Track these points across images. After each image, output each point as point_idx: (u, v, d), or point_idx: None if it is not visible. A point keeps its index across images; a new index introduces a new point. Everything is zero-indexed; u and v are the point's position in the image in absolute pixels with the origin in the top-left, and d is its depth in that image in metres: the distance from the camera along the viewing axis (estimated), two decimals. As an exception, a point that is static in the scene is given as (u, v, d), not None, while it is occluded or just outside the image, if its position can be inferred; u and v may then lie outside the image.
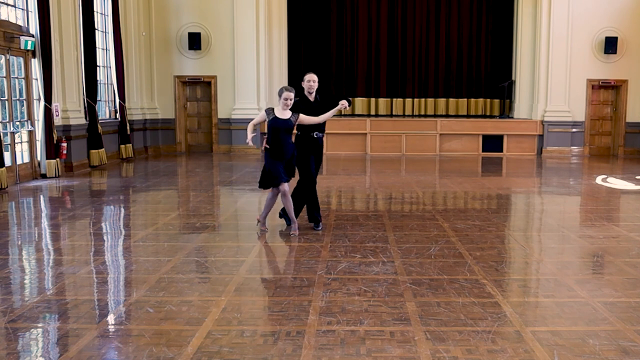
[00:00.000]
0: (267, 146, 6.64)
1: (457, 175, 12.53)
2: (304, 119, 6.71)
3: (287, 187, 6.69)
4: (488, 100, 18.85)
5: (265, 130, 6.76)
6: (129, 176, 12.89)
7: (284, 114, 6.63)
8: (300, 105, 6.86)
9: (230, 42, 16.71)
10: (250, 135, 6.64)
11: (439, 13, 18.71)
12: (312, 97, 7.01)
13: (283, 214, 7.31)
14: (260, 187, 6.93)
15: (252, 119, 16.54)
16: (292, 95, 6.59)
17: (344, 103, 6.72)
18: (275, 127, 6.57)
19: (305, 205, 7.29)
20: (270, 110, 6.67)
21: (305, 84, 7.00)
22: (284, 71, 17.90)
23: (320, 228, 7.12)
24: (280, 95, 6.61)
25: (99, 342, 3.93)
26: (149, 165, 14.37)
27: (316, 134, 7.01)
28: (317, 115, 6.83)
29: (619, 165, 14.87)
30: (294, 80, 18.24)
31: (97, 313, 4.48)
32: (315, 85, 6.98)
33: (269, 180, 6.72)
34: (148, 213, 8.70)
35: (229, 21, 16.63)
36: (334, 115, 6.95)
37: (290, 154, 6.69)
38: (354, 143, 16.71)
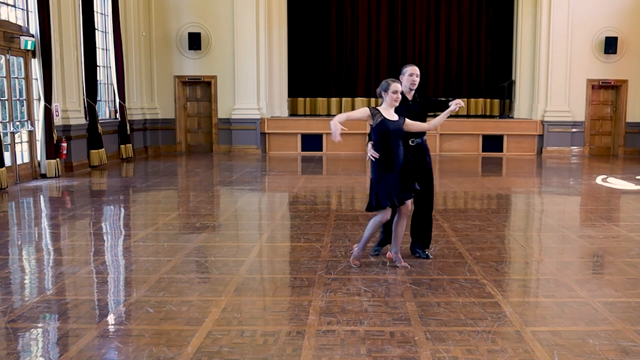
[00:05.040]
0: (376, 156, 5.34)
1: (457, 175, 12.53)
2: (409, 124, 5.42)
3: (411, 205, 5.59)
4: (488, 100, 18.85)
5: (368, 136, 5.52)
6: (129, 176, 12.89)
7: (392, 114, 5.36)
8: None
9: (230, 42, 16.71)
10: (339, 131, 5.15)
11: (439, 13, 18.71)
12: (410, 96, 5.69)
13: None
14: (369, 209, 5.54)
15: (252, 119, 16.21)
16: (400, 88, 5.34)
17: (459, 102, 5.48)
18: (386, 132, 5.29)
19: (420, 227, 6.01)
20: (376, 111, 5.31)
21: (405, 79, 5.61)
22: (284, 71, 17.90)
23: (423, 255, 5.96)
24: (386, 90, 5.29)
25: (99, 342, 3.93)
26: (149, 165, 14.37)
27: (413, 141, 5.69)
28: (413, 118, 5.54)
29: (619, 165, 14.87)
30: (294, 80, 18.29)
31: (97, 313, 4.47)
32: (418, 81, 5.64)
33: (384, 199, 5.37)
34: (148, 213, 8.70)
35: (229, 21, 16.63)
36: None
37: (401, 163, 5.40)
38: (354, 143, 16.68)
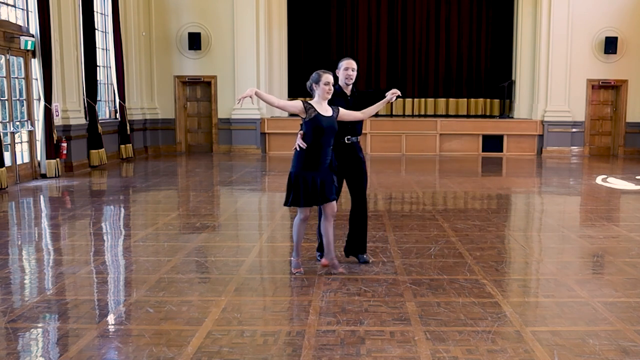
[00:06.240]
0: (304, 146, 5.07)
1: (457, 175, 12.53)
2: (344, 114, 5.20)
3: (335, 207, 5.28)
4: (488, 100, 18.86)
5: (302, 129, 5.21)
6: (129, 176, 12.89)
7: (325, 108, 5.09)
8: (333, 99, 5.26)
9: (230, 42, 16.72)
10: (247, 96, 4.89)
11: (439, 13, 18.72)
12: (348, 90, 5.51)
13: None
14: (285, 204, 5.26)
15: (252, 119, 16.14)
16: (332, 78, 5.09)
17: (395, 92, 5.29)
18: (319, 127, 5.01)
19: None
20: (309, 106, 5.03)
21: (341, 73, 5.44)
22: (284, 71, 17.90)
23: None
24: (317, 81, 5.06)
25: (99, 342, 3.93)
26: (149, 165, 14.37)
27: (348, 139, 5.49)
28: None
29: (619, 165, 14.87)
30: (294, 80, 18.28)
31: (97, 313, 4.48)
32: (354, 75, 5.46)
33: (299, 197, 5.10)
34: (148, 213, 8.70)
35: (229, 21, 16.64)
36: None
37: (327, 163, 5.15)
38: (354, 143, 16.71)
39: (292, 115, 18.09)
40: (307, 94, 19.86)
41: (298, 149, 5.12)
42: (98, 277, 5.45)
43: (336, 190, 5.27)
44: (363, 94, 5.72)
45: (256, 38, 16.64)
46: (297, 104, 5.08)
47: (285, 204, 5.27)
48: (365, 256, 5.77)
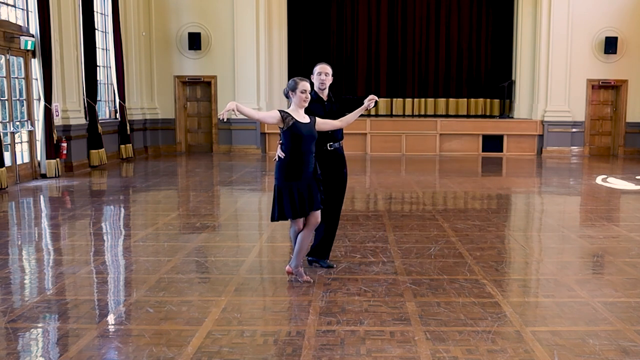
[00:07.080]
0: (282, 156, 4.99)
1: (457, 175, 12.53)
2: (320, 124, 5.05)
3: (319, 218, 5.12)
4: (488, 100, 18.86)
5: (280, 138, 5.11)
6: (129, 176, 12.89)
7: (303, 116, 4.98)
8: (309, 106, 5.10)
9: (230, 42, 16.72)
10: (229, 110, 4.80)
11: (439, 13, 18.72)
12: (324, 95, 5.44)
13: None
14: (272, 219, 5.17)
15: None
16: (309, 86, 4.99)
17: (373, 97, 5.25)
18: (298, 135, 4.88)
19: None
20: (286, 114, 4.90)
21: (315, 78, 5.38)
22: (284, 71, 17.89)
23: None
24: (294, 89, 4.94)
25: (99, 342, 3.93)
26: (149, 165, 14.37)
27: (330, 145, 5.39)
28: (330, 118, 5.23)
29: (619, 165, 14.87)
30: (294, 80, 18.28)
31: (97, 313, 4.48)
32: (329, 80, 5.41)
33: (287, 210, 5.01)
34: (148, 213, 8.70)
35: (229, 21, 16.64)
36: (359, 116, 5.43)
37: (310, 172, 5.02)
38: (354, 143, 16.69)
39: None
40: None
41: (277, 159, 5.03)
42: (98, 277, 5.45)
43: (321, 199, 5.11)
44: (341, 99, 5.59)
45: (256, 38, 16.65)
46: (275, 114, 4.94)
47: (272, 219, 5.13)
48: (328, 261, 5.60)
